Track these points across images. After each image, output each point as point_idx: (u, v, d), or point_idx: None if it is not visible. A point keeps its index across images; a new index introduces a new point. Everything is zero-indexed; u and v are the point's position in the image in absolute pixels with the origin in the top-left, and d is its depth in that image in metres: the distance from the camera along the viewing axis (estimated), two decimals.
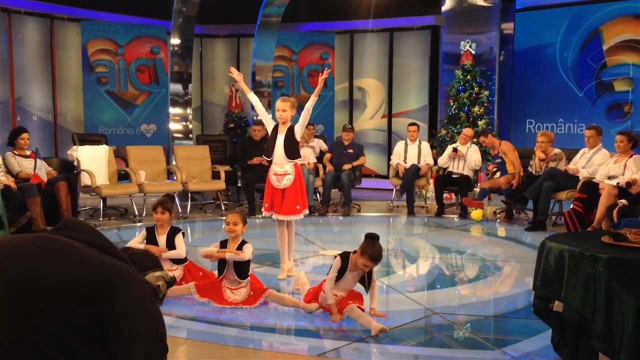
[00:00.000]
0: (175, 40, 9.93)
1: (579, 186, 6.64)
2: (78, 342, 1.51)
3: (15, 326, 1.45)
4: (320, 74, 4.94)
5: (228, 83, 11.80)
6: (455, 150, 8.20)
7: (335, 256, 3.99)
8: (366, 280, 3.93)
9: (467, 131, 8.47)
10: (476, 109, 10.06)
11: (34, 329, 1.46)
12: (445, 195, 8.52)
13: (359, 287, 4.17)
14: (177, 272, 4.48)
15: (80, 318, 1.51)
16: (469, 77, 10.20)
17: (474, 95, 10.13)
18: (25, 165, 6.68)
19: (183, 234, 4.58)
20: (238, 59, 12.23)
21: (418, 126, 8.82)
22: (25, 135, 6.78)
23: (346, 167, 8.50)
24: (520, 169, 7.66)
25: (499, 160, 7.97)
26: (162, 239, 4.55)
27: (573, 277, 2.76)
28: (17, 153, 6.68)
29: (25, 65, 9.96)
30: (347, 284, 3.95)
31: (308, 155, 8.31)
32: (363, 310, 3.89)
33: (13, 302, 1.47)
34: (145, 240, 4.57)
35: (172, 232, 4.54)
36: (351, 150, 8.73)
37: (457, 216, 8.06)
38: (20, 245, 1.62)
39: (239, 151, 8.92)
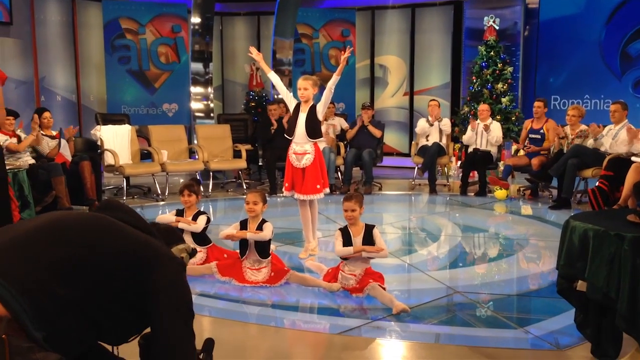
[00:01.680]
0: (195, 19, 9.91)
1: (604, 163, 6.52)
2: (121, 303, 1.78)
3: (71, 280, 1.69)
4: (342, 52, 4.88)
5: (249, 62, 11.77)
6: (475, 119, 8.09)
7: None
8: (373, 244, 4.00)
9: (483, 107, 8.36)
10: (500, 85, 9.91)
11: (87, 284, 1.71)
12: None
13: (379, 267, 4.17)
14: (200, 254, 4.54)
15: (127, 284, 1.79)
16: (492, 53, 10.03)
17: (497, 71, 9.97)
18: (52, 145, 6.78)
19: (209, 219, 4.62)
20: (259, 37, 12.18)
21: (438, 102, 8.71)
22: (46, 114, 6.86)
23: (365, 120, 8.49)
24: (550, 147, 7.53)
25: (538, 136, 7.76)
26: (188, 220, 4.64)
27: (597, 256, 2.71)
28: (43, 133, 6.77)
29: (48, 46, 10.04)
30: (358, 254, 3.96)
31: (326, 132, 8.30)
32: (384, 289, 3.90)
33: (72, 260, 1.72)
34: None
35: (198, 214, 4.61)
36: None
37: (473, 193, 7.97)
38: (79, 218, 1.95)
39: (259, 130, 8.92)
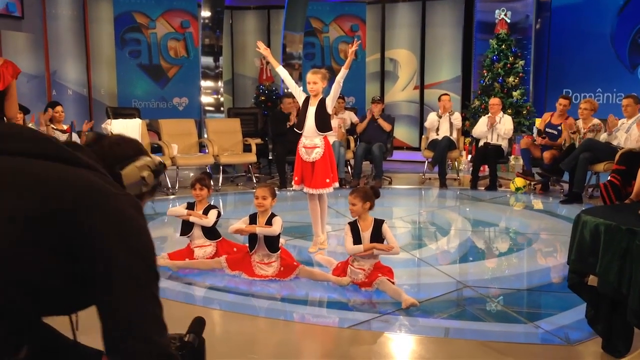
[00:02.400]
0: (205, 13, 9.91)
1: (617, 157, 6.46)
2: (59, 278, 1.27)
3: None
4: (350, 46, 4.87)
5: (259, 55, 11.72)
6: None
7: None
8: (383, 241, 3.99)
9: (493, 100, 8.30)
10: (511, 79, 9.84)
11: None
12: None
13: (389, 262, 4.16)
14: (209, 248, 4.55)
15: (54, 250, 1.24)
16: (503, 46, 9.95)
17: (508, 65, 9.90)
18: (62, 139, 6.82)
19: (219, 213, 4.63)
20: (269, 31, 12.16)
21: (449, 96, 8.67)
22: (58, 108, 6.90)
23: (375, 112, 8.46)
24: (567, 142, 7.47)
25: (554, 132, 7.62)
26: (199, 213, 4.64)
27: (609, 251, 2.69)
28: (55, 127, 6.80)
29: (59, 40, 10.08)
30: (369, 252, 3.95)
31: (336, 127, 8.28)
32: (394, 283, 3.89)
33: None
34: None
35: (209, 208, 4.61)
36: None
37: (484, 187, 7.94)
38: None
39: (270, 124, 8.92)
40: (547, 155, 7.33)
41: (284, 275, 4.18)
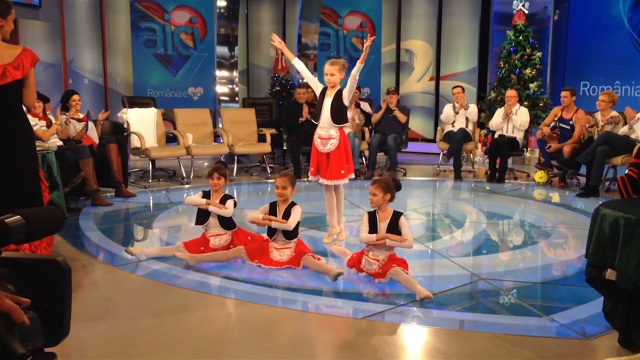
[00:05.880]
0: (221, 3, 9.91)
1: (635, 151, 6.39)
2: None
3: None
4: (364, 41, 4.84)
5: (274, 46, 11.72)
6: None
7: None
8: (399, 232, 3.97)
9: (510, 92, 8.21)
10: (528, 70, 9.75)
11: None
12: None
13: (403, 253, 4.16)
14: (225, 236, 4.56)
15: None
16: (521, 37, 9.86)
17: (525, 56, 9.81)
18: (79, 128, 6.86)
19: (235, 202, 4.65)
20: (284, 21, 12.13)
21: (462, 88, 8.56)
22: (75, 97, 6.92)
23: (390, 104, 8.41)
24: (579, 139, 7.37)
25: (567, 127, 7.55)
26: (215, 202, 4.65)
27: (628, 245, 2.67)
28: (72, 117, 6.83)
29: (76, 29, 10.14)
30: (381, 242, 3.95)
31: (350, 118, 8.27)
32: (408, 274, 3.88)
33: None
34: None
35: (225, 198, 4.63)
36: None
37: (488, 179, 7.92)
38: None
39: (284, 114, 8.92)
40: (567, 149, 7.23)
41: (295, 261, 4.20)
